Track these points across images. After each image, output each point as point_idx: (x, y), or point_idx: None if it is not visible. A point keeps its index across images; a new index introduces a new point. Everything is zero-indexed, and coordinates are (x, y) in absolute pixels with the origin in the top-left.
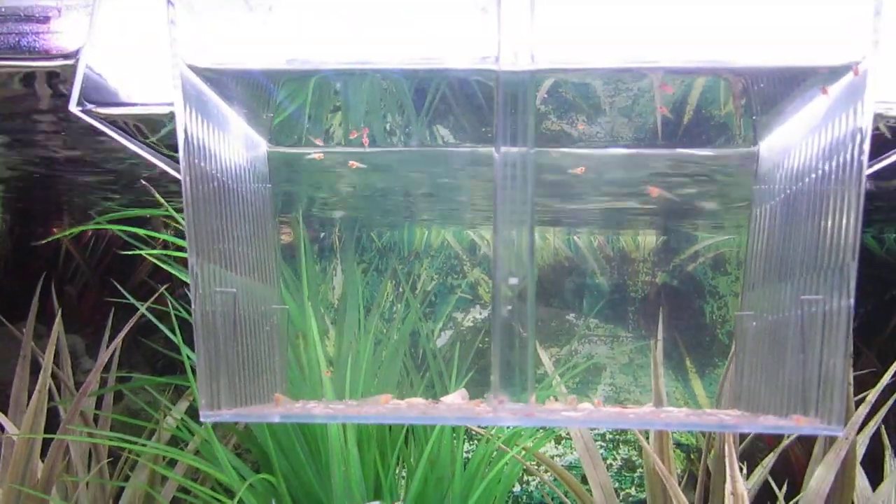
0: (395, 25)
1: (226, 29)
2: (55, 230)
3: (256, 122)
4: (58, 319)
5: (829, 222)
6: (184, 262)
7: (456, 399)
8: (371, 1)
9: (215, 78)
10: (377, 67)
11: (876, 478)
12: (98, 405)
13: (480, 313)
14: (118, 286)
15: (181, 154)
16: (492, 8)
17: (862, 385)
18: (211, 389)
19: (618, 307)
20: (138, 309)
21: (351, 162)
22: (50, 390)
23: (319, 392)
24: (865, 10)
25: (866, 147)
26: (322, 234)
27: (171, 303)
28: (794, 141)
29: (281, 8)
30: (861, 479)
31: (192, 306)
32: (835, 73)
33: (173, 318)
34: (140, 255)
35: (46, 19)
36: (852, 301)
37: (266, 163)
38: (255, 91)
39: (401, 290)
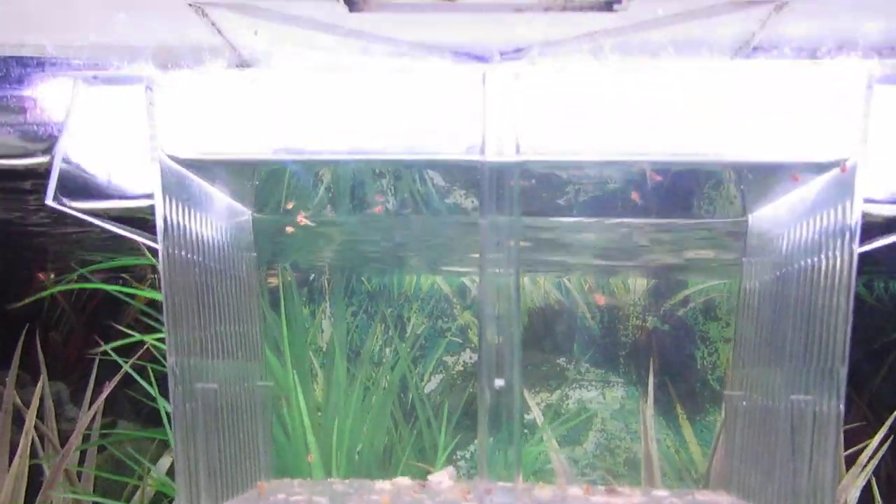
0: (380, 113)
1: (209, 114)
2: (41, 276)
3: (241, 192)
4: (43, 374)
5: (819, 320)
6: None
7: (443, 478)
8: (358, 89)
9: (197, 164)
10: (363, 158)
11: None
12: (82, 458)
13: (470, 357)
14: (100, 341)
15: (160, 248)
16: (479, 97)
17: (853, 436)
18: (190, 490)
19: (608, 351)
20: (126, 349)
21: (299, 218)
22: (33, 441)
23: (304, 453)
24: (854, 110)
25: (855, 250)
26: (311, 277)
27: (156, 352)
28: (783, 221)
29: (265, 86)
30: None
31: (171, 404)
32: (822, 168)
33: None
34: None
35: (23, 110)
36: (842, 406)
37: (250, 231)
38: (240, 166)
39: (390, 334)
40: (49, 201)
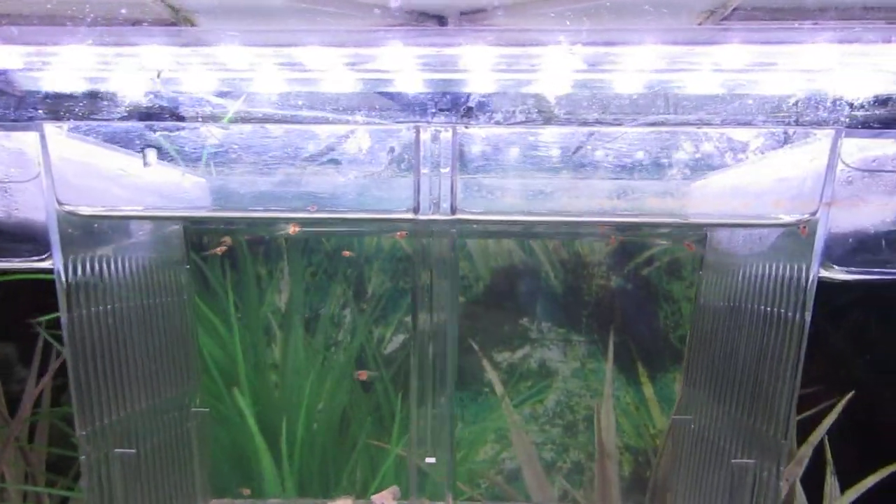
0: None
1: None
2: None
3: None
4: None
5: (766, 377)
6: None
7: (387, 499)
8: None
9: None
10: (293, 217)
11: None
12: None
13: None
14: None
15: (64, 318)
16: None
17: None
18: None
19: (571, 311)
20: None
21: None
22: None
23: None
24: (817, 174)
25: (808, 315)
26: (266, 237)
27: None
28: (739, 250)
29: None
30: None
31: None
32: (784, 226)
33: None
34: None
35: None
36: (783, 469)
37: (182, 243)
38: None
39: (351, 294)
40: None
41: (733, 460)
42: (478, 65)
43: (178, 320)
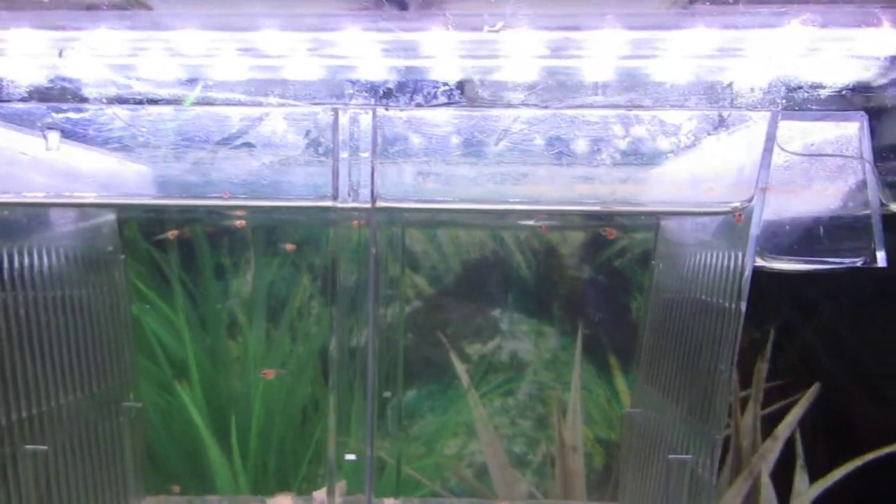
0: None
1: None
2: None
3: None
4: None
5: (704, 370)
6: None
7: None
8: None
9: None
10: (202, 204)
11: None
12: None
13: (403, 309)
14: None
15: None
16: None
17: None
18: None
19: (543, 302)
20: None
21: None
22: None
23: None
24: (753, 160)
25: (742, 305)
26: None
27: None
28: (687, 241)
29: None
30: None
31: None
32: (717, 213)
33: None
34: None
35: None
36: (716, 468)
37: (115, 230)
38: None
39: (318, 285)
40: None
41: (670, 456)
42: (436, 48)
43: (109, 313)
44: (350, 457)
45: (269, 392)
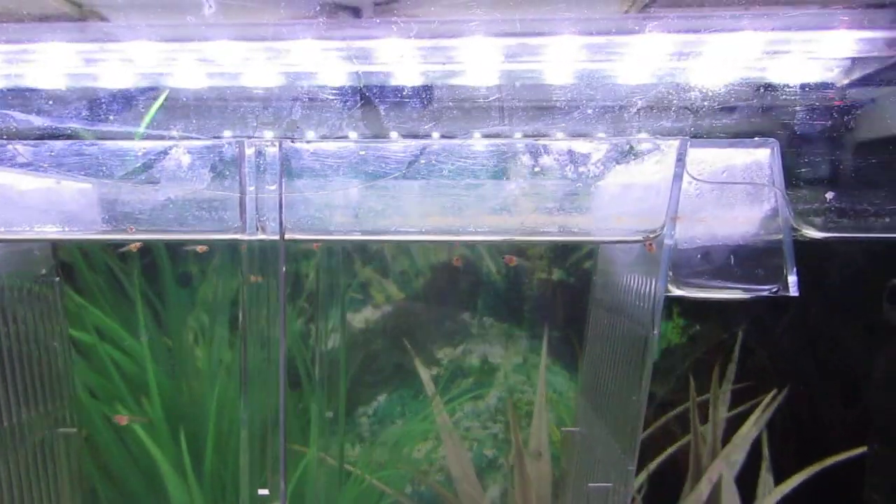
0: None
1: None
2: None
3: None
4: None
5: (618, 394)
6: None
7: None
8: None
9: None
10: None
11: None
12: None
13: (372, 313)
14: None
15: None
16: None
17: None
18: None
19: (512, 305)
20: None
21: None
22: None
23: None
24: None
25: (656, 332)
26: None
27: None
28: (618, 261)
29: None
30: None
31: None
32: (627, 242)
33: None
34: None
35: None
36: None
37: (48, 254)
38: None
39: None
40: None
41: (589, 484)
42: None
43: (39, 338)
44: (263, 491)
45: (225, 405)
